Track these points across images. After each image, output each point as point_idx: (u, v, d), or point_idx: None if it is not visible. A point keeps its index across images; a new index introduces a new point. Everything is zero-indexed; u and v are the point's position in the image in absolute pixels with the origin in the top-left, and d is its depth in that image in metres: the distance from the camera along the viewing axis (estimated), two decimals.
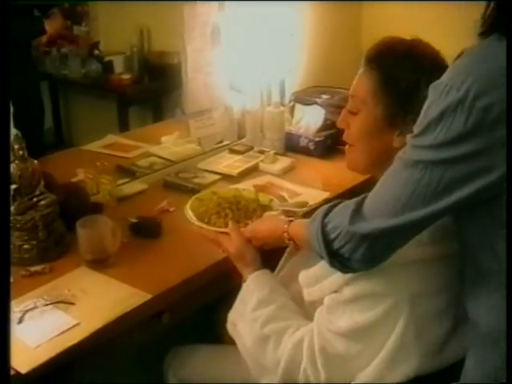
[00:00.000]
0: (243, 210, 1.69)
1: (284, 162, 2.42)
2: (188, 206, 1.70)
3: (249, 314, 1.44)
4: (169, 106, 2.88)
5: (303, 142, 2.54)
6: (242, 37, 2.45)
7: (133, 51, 2.86)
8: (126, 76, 2.83)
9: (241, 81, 2.54)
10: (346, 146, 1.48)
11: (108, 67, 2.83)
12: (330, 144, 2.54)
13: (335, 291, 1.31)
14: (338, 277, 1.29)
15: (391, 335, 1.25)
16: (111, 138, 2.56)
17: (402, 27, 2.98)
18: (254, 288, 1.48)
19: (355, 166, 1.48)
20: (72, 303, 1.46)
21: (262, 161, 2.41)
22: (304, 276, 1.42)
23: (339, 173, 2.37)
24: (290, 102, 2.69)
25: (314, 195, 2.14)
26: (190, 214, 1.67)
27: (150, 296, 1.51)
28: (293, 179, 2.31)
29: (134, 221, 1.83)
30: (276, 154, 2.46)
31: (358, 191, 2.25)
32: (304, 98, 2.69)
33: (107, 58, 2.83)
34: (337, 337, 1.30)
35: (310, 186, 2.23)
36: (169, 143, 2.54)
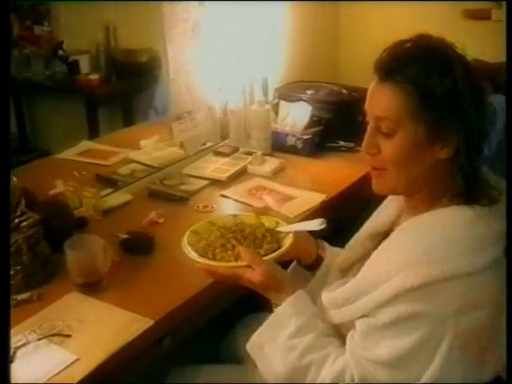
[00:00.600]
0: (250, 238, 1.39)
1: (273, 162, 2.31)
2: (185, 241, 1.41)
3: (285, 340, 1.29)
4: (140, 107, 2.74)
5: (290, 141, 2.44)
6: (223, 34, 2.32)
7: (99, 50, 2.70)
8: (94, 76, 2.66)
9: (223, 79, 2.41)
10: (371, 170, 1.29)
11: (74, 67, 2.66)
12: (318, 142, 2.44)
13: (366, 315, 1.20)
14: (370, 300, 1.18)
15: (435, 356, 1.14)
16: (86, 145, 2.41)
17: (378, 25, 2.98)
18: (291, 313, 1.31)
19: (393, 190, 1.31)
20: (68, 335, 1.33)
21: (250, 163, 2.29)
22: (330, 298, 1.30)
23: (331, 172, 2.29)
24: (273, 99, 2.57)
25: (309, 198, 2.05)
26: (190, 251, 1.38)
27: (151, 322, 1.39)
28: (284, 181, 2.20)
29: (125, 237, 1.70)
30: (263, 154, 2.35)
31: (354, 192, 2.23)
32: (288, 94, 2.59)
33: (72, 58, 2.67)
34: (377, 366, 1.18)
35: (303, 187, 2.13)
36: (149, 147, 2.41)
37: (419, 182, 1.25)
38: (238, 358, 1.84)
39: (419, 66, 1.18)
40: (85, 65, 2.67)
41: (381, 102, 1.22)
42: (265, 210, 1.52)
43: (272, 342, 1.31)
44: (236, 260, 1.33)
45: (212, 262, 1.34)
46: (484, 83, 1.25)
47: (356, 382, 1.20)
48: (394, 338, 1.16)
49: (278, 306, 1.32)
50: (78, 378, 1.21)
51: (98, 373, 1.25)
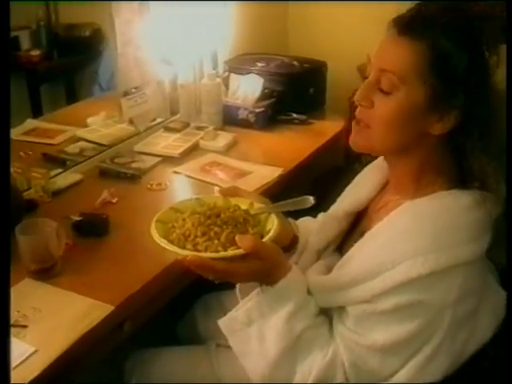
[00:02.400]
0: (231, 223, 1.20)
1: (226, 137, 2.27)
2: (155, 234, 1.20)
3: (283, 319, 1.17)
4: (84, 83, 2.65)
5: (242, 114, 2.40)
6: (170, 6, 2.25)
7: (40, 25, 2.60)
8: (35, 52, 2.56)
9: (171, 53, 2.34)
10: (356, 124, 1.21)
11: (14, 44, 2.56)
12: (270, 114, 2.41)
13: (365, 301, 1.15)
14: (370, 287, 1.13)
15: (429, 342, 1.12)
16: (31, 123, 2.31)
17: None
18: (289, 291, 1.19)
19: (372, 149, 1.24)
20: (24, 326, 1.27)
21: (202, 138, 2.24)
22: (321, 282, 1.24)
23: (286, 145, 2.27)
24: (224, 72, 2.52)
25: (265, 172, 2.01)
26: (166, 243, 1.17)
27: (111, 307, 1.34)
28: (238, 156, 2.17)
29: (77, 218, 1.64)
30: (215, 129, 2.30)
31: (310, 166, 2.20)
32: (238, 67, 2.54)
33: (12, 34, 2.56)
34: (369, 351, 1.15)
35: (258, 162, 2.10)
36: (96, 125, 2.33)
37: (403, 151, 1.20)
38: (196, 338, 1.81)
39: (444, 28, 1.10)
40: (25, 41, 2.56)
41: (391, 55, 1.14)
42: (234, 191, 1.31)
43: (266, 319, 1.19)
44: (225, 249, 1.15)
45: (203, 254, 1.14)
46: None
47: (346, 367, 1.16)
48: (392, 325, 1.12)
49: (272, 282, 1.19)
50: (38, 370, 1.16)
51: (58, 363, 1.20)
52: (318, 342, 1.19)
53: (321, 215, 1.49)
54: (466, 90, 1.10)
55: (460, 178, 1.18)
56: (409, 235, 1.13)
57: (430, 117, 1.14)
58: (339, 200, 1.45)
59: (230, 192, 1.31)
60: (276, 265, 1.18)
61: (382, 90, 1.15)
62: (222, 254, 1.14)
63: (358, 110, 1.20)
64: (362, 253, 1.19)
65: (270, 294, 1.18)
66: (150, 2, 2.11)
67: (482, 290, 1.18)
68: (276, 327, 1.17)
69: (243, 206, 1.28)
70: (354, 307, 1.16)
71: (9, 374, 1.00)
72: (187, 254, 1.13)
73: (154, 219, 1.25)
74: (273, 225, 1.21)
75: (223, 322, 1.24)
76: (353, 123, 1.22)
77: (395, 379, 1.14)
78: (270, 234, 1.18)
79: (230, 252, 1.14)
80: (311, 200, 1.24)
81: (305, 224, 1.49)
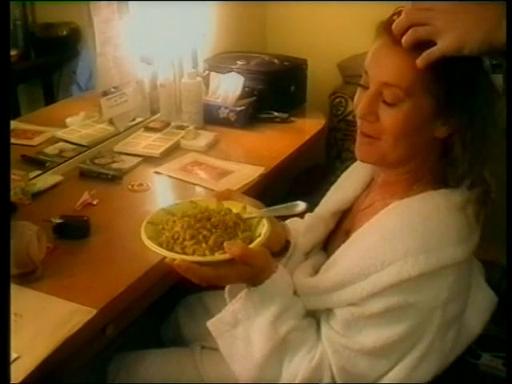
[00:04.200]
0: (221, 227, 1.20)
1: (206, 136, 2.25)
2: (144, 235, 1.20)
3: (268, 320, 1.17)
4: (61, 83, 2.62)
5: (223, 113, 2.38)
6: (150, 5, 2.23)
7: (16, 25, 2.57)
8: (12, 52, 2.53)
9: (151, 52, 2.32)
10: (363, 137, 1.21)
11: None
12: (251, 113, 2.40)
13: (353, 304, 1.14)
14: (358, 289, 1.13)
15: (419, 343, 1.13)
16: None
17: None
18: (275, 291, 1.19)
19: (381, 161, 1.22)
20: None
21: (182, 137, 2.23)
22: (307, 283, 1.24)
23: (267, 144, 2.26)
24: (204, 71, 2.50)
25: (247, 171, 2.00)
26: (154, 246, 1.17)
27: (94, 311, 1.32)
28: (219, 155, 2.15)
29: (58, 221, 1.61)
30: (196, 128, 2.28)
31: (292, 164, 2.20)
32: (218, 65, 2.53)
33: None
34: (357, 354, 1.14)
35: (239, 161, 2.09)
36: (75, 125, 2.31)
37: (410, 157, 1.19)
38: (180, 340, 1.80)
39: None
40: None
41: (393, 68, 1.12)
42: (228, 195, 1.32)
43: (251, 321, 1.19)
44: (212, 253, 1.15)
45: (190, 258, 1.14)
46: None
47: (334, 371, 1.16)
48: (381, 327, 1.12)
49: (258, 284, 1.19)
50: (21, 377, 1.14)
51: (41, 369, 1.18)
52: (304, 344, 1.18)
53: (307, 216, 1.47)
54: (469, 96, 1.11)
55: (449, 178, 1.18)
56: (398, 236, 1.12)
57: (436, 121, 1.14)
58: (324, 200, 1.45)
59: (224, 195, 1.32)
60: (262, 268, 1.18)
61: (386, 103, 1.14)
62: (209, 258, 1.14)
63: (362, 124, 1.20)
64: (350, 254, 1.19)
65: (255, 295, 1.18)
66: (129, 1, 2.08)
67: (470, 288, 1.19)
68: (261, 329, 1.17)
69: (235, 210, 1.27)
70: (342, 310, 1.16)
71: (8, 373, 1.00)
72: (174, 257, 1.14)
73: (145, 221, 1.25)
74: (263, 229, 1.21)
75: (212, 324, 1.24)
76: (358, 136, 1.21)
77: (385, 380, 1.14)
78: (260, 238, 1.18)
79: (217, 256, 1.14)
80: (303, 205, 1.25)
81: (294, 225, 1.47)
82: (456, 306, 1.15)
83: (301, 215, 1.46)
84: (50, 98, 2.61)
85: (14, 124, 2.26)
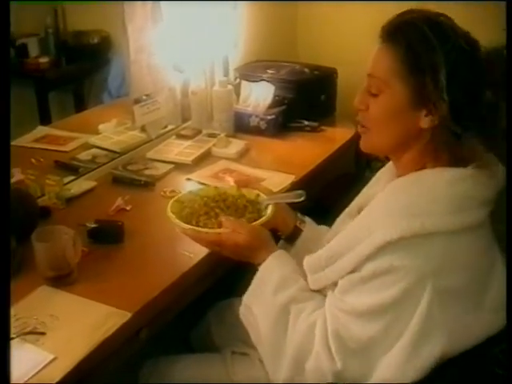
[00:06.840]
0: (232, 208, 1.51)
1: (238, 144, 2.27)
2: (168, 209, 1.50)
3: (269, 295, 1.33)
4: (92, 90, 2.65)
5: (254, 121, 2.39)
6: (183, 13, 2.25)
7: (48, 32, 2.61)
8: (44, 59, 2.57)
9: (183, 59, 2.34)
10: (359, 127, 1.34)
11: (22, 51, 2.56)
12: (281, 122, 2.40)
13: (352, 271, 1.21)
14: (353, 256, 1.20)
15: (414, 314, 1.15)
16: (42, 130, 2.31)
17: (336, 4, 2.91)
18: (275, 267, 1.37)
19: (374, 148, 1.35)
20: (42, 333, 1.26)
21: (214, 145, 2.24)
22: (312, 259, 1.33)
23: (297, 153, 2.27)
24: (235, 79, 2.52)
25: (277, 179, 2.01)
26: (174, 218, 1.46)
27: (129, 315, 1.33)
28: (250, 163, 2.16)
29: (93, 226, 1.63)
30: (226, 136, 2.30)
31: (322, 172, 2.20)
32: (249, 74, 2.54)
33: (20, 41, 2.56)
34: (350, 318, 1.20)
35: (270, 169, 2.09)
36: (108, 132, 2.33)
37: (402, 146, 1.28)
38: (210, 346, 1.80)
39: (417, 32, 1.20)
40: (33, 48, 2.56)
41: (376, 61, 1.26)
42: (246, 183, 1.64)
43: (258, 300, 1.34)
44: (219, 227, 1.43)
45: (197, 228, 1.43)
46: None
47: (329, 336, 1.21)
48: (372, 291, 1.17)
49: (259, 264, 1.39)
50: (57, 378, 1.15)
51: (77, 371, 1.19)
52: (303, 310, 1.29)
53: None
54: (442, 87, 1.17)
55: (455, 161, 1.24)
56: (385, 204, 1.23)
57: (418, 112, 1.22)
58: (354, 201, 1.52)
59: (242, 183, 1.63)
60: (260, 243, 1.41)
61: (371, 93, 1.27)
62: (213, 230, 1.44)
63: (358, 115, 1.33)
64: (348, 227, 1.29)
65: (258, 275, 1.37)
66: (163, 9, 2.10)
67: (480, 267, 1.21)
68: (265, 304, 1.33)
69: (249, 196, 1.57)
70: (343, 279, 1.23)
71: (8, 374, 1.00)
72: (187, 227, 1.44)
73: (173, 199, 1.57)
74: (267, 213, 1.49)
75: (240, 311, 1.40)
76: (359, 128, 1.35)
77: (389, 357, 1.16)
78: (262, 218, 1.48)
79: (217, 229, 1.43)
80: (298, 194, 1.54)
81: (322, 231, 1.58)
82: (455, 278, 1.16)
83: (323, 220, 1.62)
84: (81, 105, 2.65)
85: (46, 130, 2.30)
